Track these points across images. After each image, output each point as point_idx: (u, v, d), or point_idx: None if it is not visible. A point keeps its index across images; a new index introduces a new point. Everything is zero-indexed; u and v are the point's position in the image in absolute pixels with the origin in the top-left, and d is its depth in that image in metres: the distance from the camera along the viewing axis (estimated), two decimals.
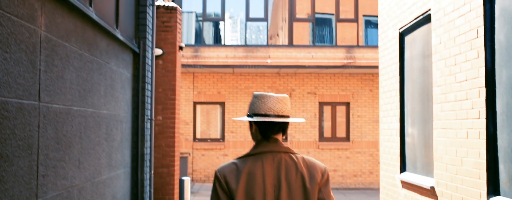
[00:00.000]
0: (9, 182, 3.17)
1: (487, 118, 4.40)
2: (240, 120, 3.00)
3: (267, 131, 2.50)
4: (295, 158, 2.48)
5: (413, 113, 6.41)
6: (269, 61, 15.38)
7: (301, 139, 16.36)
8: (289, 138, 16.35)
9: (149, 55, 6.98)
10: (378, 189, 15.70)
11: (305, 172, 2.45)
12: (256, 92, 2.63)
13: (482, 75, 4.46)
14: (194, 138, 16.38)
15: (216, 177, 2.45)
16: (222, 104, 16.52)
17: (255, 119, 2.48)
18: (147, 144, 7.04)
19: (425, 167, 6.00)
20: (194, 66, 15.20)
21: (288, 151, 2.49)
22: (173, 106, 8.88)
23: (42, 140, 3.69)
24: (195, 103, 16.50)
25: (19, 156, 3.32)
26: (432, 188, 5.50)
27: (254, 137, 2.58)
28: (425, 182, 5.75)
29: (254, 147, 2.53)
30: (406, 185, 6.41)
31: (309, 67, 15.41)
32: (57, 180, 4.01)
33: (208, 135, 16.75)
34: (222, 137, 16.44)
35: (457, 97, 4.98)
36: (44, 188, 3.75)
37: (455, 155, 5.01)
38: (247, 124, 16.37)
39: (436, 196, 5.43)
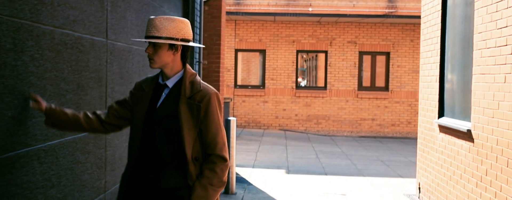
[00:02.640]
0: (84, 110, 3.57)
1: None
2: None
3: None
4: None
5: (453, 59, 6.57)
6: (310, 9, 15.46)
7: (340, 88, 16.58)
8: (328, 86, 16.59)
9: (198, 0, 7.26)
10: (415, 139, 15.92)
11: None
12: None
13: None
14: (235, 85, 16.78)
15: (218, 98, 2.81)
16: (263, 52, 16.78)
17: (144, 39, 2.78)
18: None
19: (462, 112, 6.22)
20: (237, 13, 15.41)
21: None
22: (218, 51, 9.20)
23: (109, 74, 4.07)
24: (236, 50, 16.81)
25: (92, 87, 3.71)
26: (469, 131, 5.74)
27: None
28: (462, 125, 5.98)
29: None
30: (444, 129, 6.66)
31: (350, 16, 15.45)
32: None
33: (249, 82, 17.13)
34: (263, 84, 16.78)
35: (497, 43, 5.14)
36: None
37: (492, 99, 5.21)
38: (286, 71, 16.66)
39: (472, 138, 5.68)
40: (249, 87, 16.85)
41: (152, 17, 2.76)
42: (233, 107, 16.73)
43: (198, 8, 7.29)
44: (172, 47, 2.75)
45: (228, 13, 15.35)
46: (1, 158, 2.56)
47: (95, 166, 3.84)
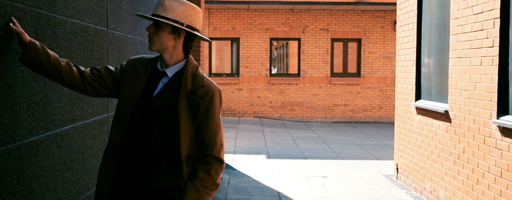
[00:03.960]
0: (89, 97, 3.71)
1: (500, 46, 4.88)
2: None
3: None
4: None
5: (429, 44, 6.88)
6: None
7: (314, 74, 16.87)
8: (301, 73, 16.86)
9: None
10: (387, 123, 16.36)
11: None
12: None
13: (498, 6, 4.90)
14: (210, 73, 16.92)
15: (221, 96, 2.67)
16: (236, 40, 16.94)
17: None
18: None
19: (439, 94, 6.54)
20: (210, 2, 15.51)
21: None
22: (198, 41, 9.33)
23: (109, 62, 4.21)
24: (210, 39, 16.92)
25: None
26: (446, 111, 6.05)
27: None
28: (439, 107, 6.29)
29: None
30: (421, 111, 6.97)
31: (322, 3, 15.70)
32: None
33: (223, 70, 17.28)
34: (237, 72, 16.96)
35: (473, 28, 5.44)
36: (111, 105, 4.31)
37: (469, 81, 5.52)
38: (260, 59, 16.85)
39: (450, 119, 5.99)
40: (224, 75, 17.01)
41: None
42: None
43: None
44: (175, 31, 2.54)
45: None
46: (28, 141, 2.71)
47: (100, 151, 3.99)
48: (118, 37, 4.45)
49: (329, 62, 16.91)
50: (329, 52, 16.88)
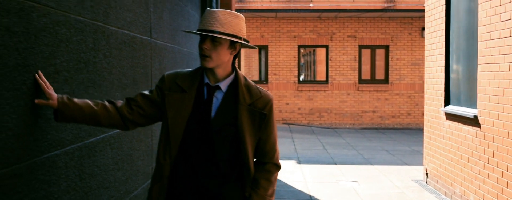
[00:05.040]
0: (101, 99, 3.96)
1: None
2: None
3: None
4: None
5: (458, 51, 7.00)
6: (311, 5, 15.86)
7: (342, 81, 17.00)
8: (329, 80, 17.01)
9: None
10: (416, 129, 16.38)
11: None
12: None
13: None
14: None
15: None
16: (265, 48, 17.18)
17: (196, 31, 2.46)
18: None
19: (468, 100, 6.66)
20: (239, 10, 15.79)
21: None
22: None
23: (153, 70, 4.47)
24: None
25: (142, 81, 4.11)
26: (475, 117, 6.17)
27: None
28: (468, 112, 6.41)
29: None
30: (450, 116, 7.09)
31: (350, 10, 15.86)
32: None
33: (251, 77, 17.51)
34: (266, 79, 17.18)
35: (501, 35, 5.57)
36: None
37: (497, 87, 5.64)
38: (288, 66, 17.04)
39: (479, 124, 6.11)
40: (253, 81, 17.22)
41: (211, 9, 2.50)
42: None
43: (215, 6, 7.69)
44: (232, 45, 2.47)
45: None
46: (88, 142, 2.96)
47: (145, 153, 4.24)
48: (159, 46, 4.71)
49: (357, 69, 17.02)
50: (357, 59, 17.00)
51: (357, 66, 17.02)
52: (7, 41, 2.05)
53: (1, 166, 2.03)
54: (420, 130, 15.71)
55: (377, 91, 17.05)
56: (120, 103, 2.54)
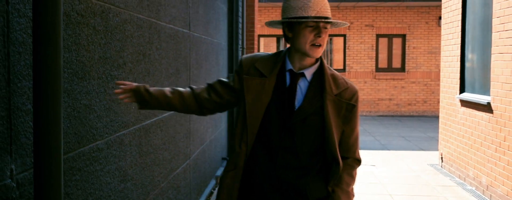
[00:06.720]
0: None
1: None
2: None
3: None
4: None
5: (473, 41, 7.35)
6: None
7: (359, 70, 17.34)
8: (347, 68, 17.36)
9: None
10: (431, 117, 16.71)
11: None
12: None
13: None
14: None
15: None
16: (283, 37, 17.53)
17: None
18: None
19: (482, 87, 7.01)
20: (259, 0, 16.14)
21: None
22: (252, 38, 10.00)
23: (191, 60, 4.90)
24: (259, 36, 17.58)
25: (183, 71, 4.54)
26: (488, 103, 6.53)
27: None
28: (482, 99, 6.78)
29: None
30: (465, 103, 7.45)
31: (368, 0, 16.15)
32: None
33: None
34: None
35: None
36: None
37: (509, 75, 6.00)
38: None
39: (492, 110, 6.47)
40: None
41: None
42: None
43: None
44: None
45: None
46: (145, 124, 3.40)
47: (185, 136, 4.68)
48: (196, 38, 5.13)
49: (374, 58, 17.34)
50: (374, 47, 17.31)
51: (374, 55, 17.34)
52: (93, 38, 2.48)
53: (88, 142, 2.47)
54: (436, 117, 16.03)
55: (393, 79, 17.37)
56: (199, 89, 2.54)
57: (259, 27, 17.33)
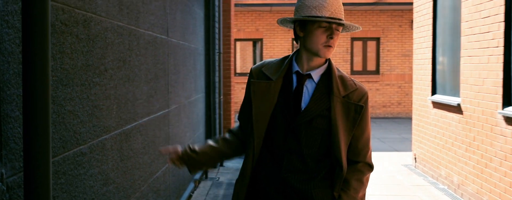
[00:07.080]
0: (157, 95, 4.50)
1: (505, 46, 5.57)
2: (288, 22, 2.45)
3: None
4: None
5: (443, 44, 7.57)
6: None
7: None
8: None
9: None
10: (406, 118, 17.01)
11: None
12: None
13: (502, 12, 5.59)
14: (235, 73, 17.70)
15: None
16: (260, 41, 17.70)
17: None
18: (216, 73, 8.36)
19: (452, 89, 7.24)
20: (236, 5, 16.28)
21: None
22: (228, 42, 10.11)
23: (169, 66, 4.99)
24: (235, 40, 17.70)
25: (161, 76, 4.64)
26: (458, 105, 6.75)
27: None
28: (452, 101, 6.99)
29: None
30: (436, 105, 7.67)
31: (343, 4, 16.37)
32: (175, 96, 5.35)
33: (246, 70, 18.04)
34: None
35: (481, 30, 6.13)
36: (171, 102, 5.09)
37: (478, 77, 6.22)
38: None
39: (462, 111, 6.69)
40: (247, 74, 17.74)
41: None
42: (232, 93, 17.62)
43: (217, 4, 8.20)
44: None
45: None
46: (126, 129, 3.49)
47: (164, 140, 4.78)
48: (174, 44, 5.23)
49: (349, 61, 17.59)
50: (349, 50, 17.56)
51: (349, 58, 17.59)
52: (76, 46, 2.58)
53: (72, 146, 2.56)
54: (410, 119, 16.32)
55: (368, 81, 17.64)
56: (236, 128, 2.57)
57: (235, 31, 17.46)
